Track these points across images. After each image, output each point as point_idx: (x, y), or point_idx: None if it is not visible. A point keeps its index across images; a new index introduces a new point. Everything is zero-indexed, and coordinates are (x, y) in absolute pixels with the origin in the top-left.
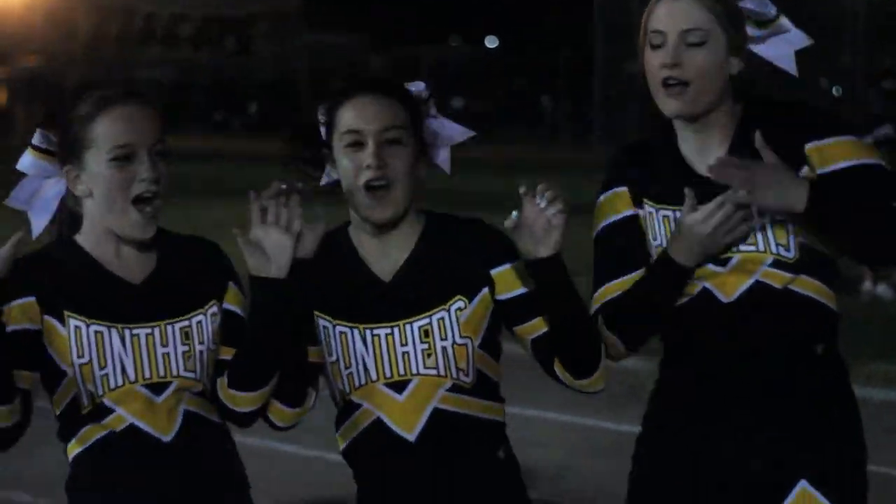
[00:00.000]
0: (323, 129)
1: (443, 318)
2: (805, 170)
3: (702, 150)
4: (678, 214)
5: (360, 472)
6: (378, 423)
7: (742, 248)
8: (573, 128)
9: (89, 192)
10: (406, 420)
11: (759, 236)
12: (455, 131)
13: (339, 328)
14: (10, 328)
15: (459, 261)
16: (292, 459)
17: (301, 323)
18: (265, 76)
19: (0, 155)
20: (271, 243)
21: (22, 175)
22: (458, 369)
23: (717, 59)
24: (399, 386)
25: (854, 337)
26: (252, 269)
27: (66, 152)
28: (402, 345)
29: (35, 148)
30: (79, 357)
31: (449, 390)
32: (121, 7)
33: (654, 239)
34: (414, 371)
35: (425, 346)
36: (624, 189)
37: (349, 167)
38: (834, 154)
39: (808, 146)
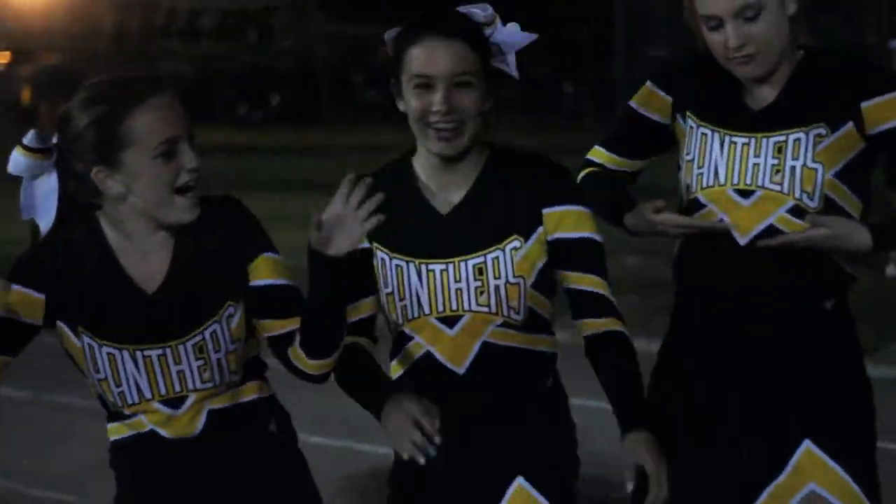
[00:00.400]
0: (391, 61)
1: (497, 258)
2: (849, 125)
3: (758, 90)
4: (717, 136)
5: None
6: (428, 355)
7: (767, 184)
8: (596, 113)
9: (125, 190)
10: (455, 354)
11: (787, 176)
12: (518, 37)
13: (395, 261)
14: None
15: (517, 198)
16: (320, 450)
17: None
18: (286, 68)
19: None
20: (341, 226)
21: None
22: (509, 307)
23: (776, 18)
24: (451, 321)
25: (879, 318)
26: (312, 242)
27: (94, 155)
28: (455, 281)
29: (29, 149)
30: (95, 373)
31: (499, 326)
32: (141, 2)
33: (688, 154)
34: (466, 307)
35: (478, 283)
36: (669, 100)
37: (417, 107)
38: (887, 112)
39: (865, 105)
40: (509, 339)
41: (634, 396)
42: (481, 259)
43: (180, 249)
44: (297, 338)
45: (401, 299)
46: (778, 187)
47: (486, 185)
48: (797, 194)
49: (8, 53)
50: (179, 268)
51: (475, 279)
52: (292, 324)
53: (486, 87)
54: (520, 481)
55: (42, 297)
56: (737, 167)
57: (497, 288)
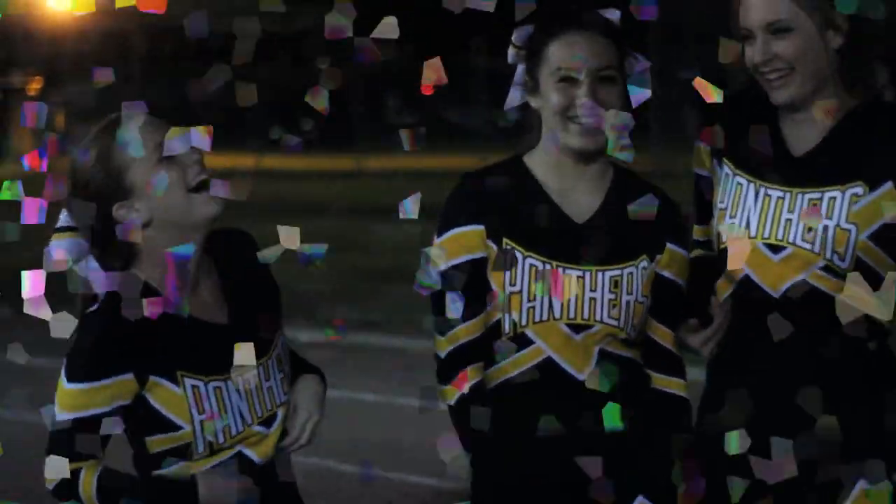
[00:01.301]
0: (518, 55)
1: (632, 273)
2: (889, 185)
3: (800, 133)
4: (752, 186)
5: (515, 408)
6: (549, 361)
7: (798, 241)
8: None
9: (149, 215)
10: (578, 361)
11: (819, 236)
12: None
13: (530, 260)
14: (98, 411)
15: (644, 222)
16: (337, 475)
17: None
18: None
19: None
20: None
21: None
22: (632, 325)
23: (808, 40)
24: (579, 328)
25: None
26: None
27: (111, 192)
28: (591, 290)
29: (64, 230)
30: (199, 414)
31: (618, 339)
32: (174, 27)
33: (721, 202)
34: (598, 318)
35: (613, 296)
36: (707, 149)
37: (560, 101)
38: None
39: None
40: (622, 349)
41: None
42: (618, 272)
43: (230, 290)
44: None
45: (529, 300)
46: (809, 245)
47: (616, 200)
48: (828, 255)
49: (40, 79)
50: (237, 300)
51: (610, 291)
52: None
53: (624, 84)
54: (640, 500)
55: (130, 375)
56: (769, 220)
57: (628, 304)
